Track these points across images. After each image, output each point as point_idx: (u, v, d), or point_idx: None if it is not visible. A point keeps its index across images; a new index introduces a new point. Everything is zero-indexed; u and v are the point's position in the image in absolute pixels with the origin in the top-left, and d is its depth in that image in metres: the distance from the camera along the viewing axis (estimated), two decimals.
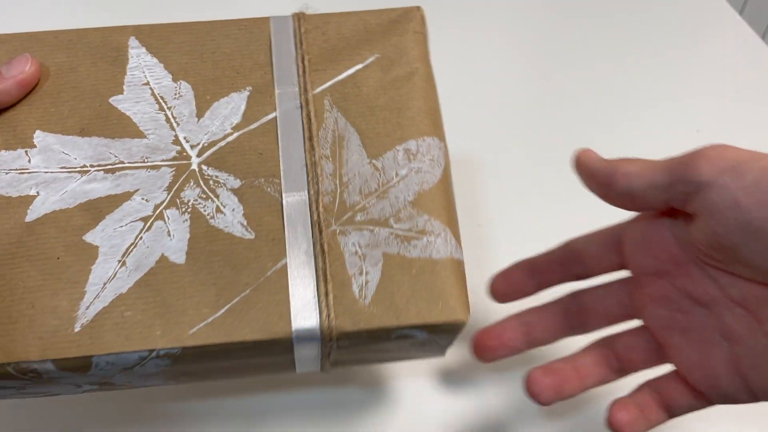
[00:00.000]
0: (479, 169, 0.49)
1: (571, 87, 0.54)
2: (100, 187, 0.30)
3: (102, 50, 0.33)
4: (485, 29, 0.58)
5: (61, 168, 0.31)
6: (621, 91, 0.54)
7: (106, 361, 0.28)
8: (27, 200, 0.30)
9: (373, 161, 0.31)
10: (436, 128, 0.32)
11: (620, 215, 0.31)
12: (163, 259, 0.29)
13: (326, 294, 0.29)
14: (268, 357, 0.30)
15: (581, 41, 0.57)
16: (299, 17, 0.34)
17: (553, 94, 0.54)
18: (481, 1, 0.59)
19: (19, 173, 0.30)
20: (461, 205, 0.33)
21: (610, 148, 0.32)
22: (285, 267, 0.29)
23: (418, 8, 0.35)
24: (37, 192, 0.30)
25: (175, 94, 0.32)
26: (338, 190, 0.31)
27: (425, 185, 0.31)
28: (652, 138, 0.50)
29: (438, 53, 0.36)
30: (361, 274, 0.29)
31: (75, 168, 0.31)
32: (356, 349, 0.30)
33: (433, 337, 0.30)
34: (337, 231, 0.30)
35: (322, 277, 0.29)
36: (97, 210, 0.30)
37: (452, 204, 0.32)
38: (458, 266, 0.30)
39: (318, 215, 0.30)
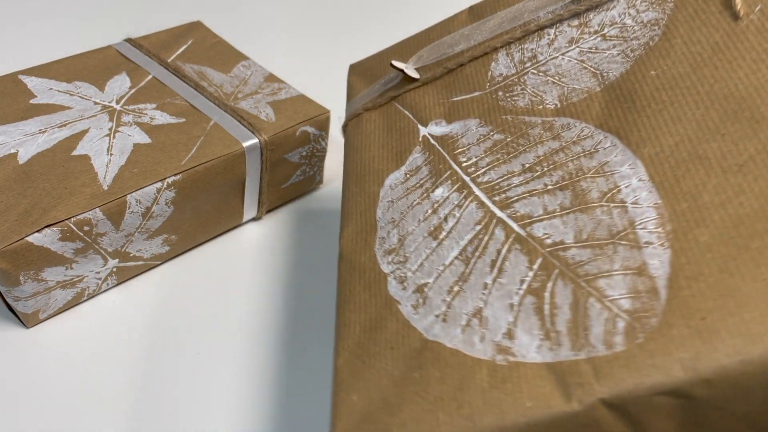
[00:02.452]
0: None
1: None
2: (62, 134, 0.42)
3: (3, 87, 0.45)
4: None
5: (24, 135, 0.42)
6: None
7: (136, 199, 0.39)
8: (11, 155, 0.40)
9: (228, 74, 0.50)
10: (243, 57, 0.52)
11: None
12: (136, 145, 0.42)
13: (250, 125, 0.45)
14: (228, 176, 0.43)
15: None
16: (129, 39, 0.52)
17: None
18: None
19: None
20: None
21: None
22: (216, 123, 0.45)
23: (198, 21, 0.56)
24: (17, 150, 0.41)
25: (76, 87, 0.46)
26: (219, 90, 0.48)
27: (265, 73, 0.50)
28: None
29: None
30: (260, 112, 0.46)
31: (35, 133, 0.42)
32: (281, 159, 0.46)
33: (318, 132, 0.47)
34: (232, 104, 0.47)
35: (245, 121, 0.45)
36: (70, 142, 0.42)
37: (277, 77, 0.51)
38: (305, 97, 0.49)
39: (214, 100, 0.46)
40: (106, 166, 0.40)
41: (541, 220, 0.27)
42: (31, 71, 0.47)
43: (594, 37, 0.31)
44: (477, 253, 0.27)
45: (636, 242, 0.24)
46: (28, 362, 0.38)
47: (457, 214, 0.29)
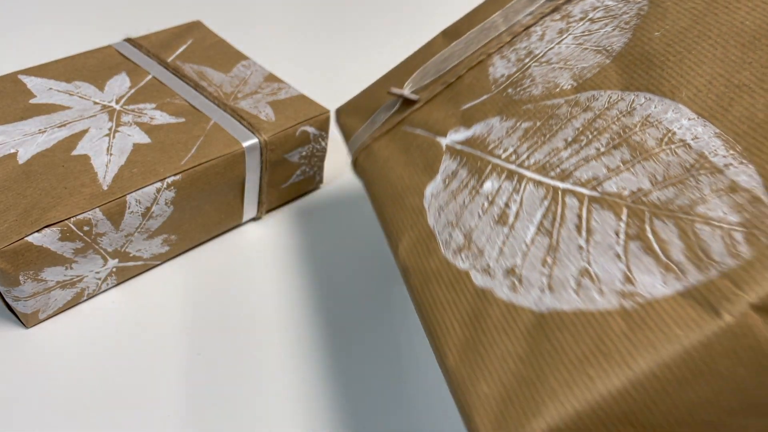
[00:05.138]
0: None
1: None
2: (61, 134, 0.42)
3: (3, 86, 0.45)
4: None
5: (24, 135, 0.42)
6: None
7: (136, 199, 0.39)
8: (11, 155, 0.40)
9: (228, 74, 0.50)
10: (243, 57, 0.52)
11: None
12: (136, 145, 0.42)
13: (250, 124, 0.45)
14: (228, 176, 0.43)
15: None
16: (129, 38, 0.52)
17: None
18: None
19: None
20: None
21: None
22: (216, 123, 0.44)
23: (198, 21, 0.56)
24: (16, 150, 0.41)
25: (75, 87, 0.46)
26: (219, 90, 0.48)
27: (265, 73, 0.50)
28: None
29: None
30: (260, 112, 0.46)
31: (34, 132, 0.42)
32: (280, 159, 0.46)
33: (318, 132, 0.47)
34: (232, 103, 0.47)
35: (245, 121, 0.45)
36: (69, 142, 0.41)
37: (276, 77, 0.51)
38: (305, 97, 0.49)
39: (214, 100, 0.46)
40: (106, 165, 0.40)
41: (609, 179, 0.26)
42: (30, 71, 0.47)
43: (582, 23, 0.33)
44: (557, 224, 0.27)
45: (715, 167, 0.24)
46: (27, 362, 0.38)
47: (518, 198, 0.29)
